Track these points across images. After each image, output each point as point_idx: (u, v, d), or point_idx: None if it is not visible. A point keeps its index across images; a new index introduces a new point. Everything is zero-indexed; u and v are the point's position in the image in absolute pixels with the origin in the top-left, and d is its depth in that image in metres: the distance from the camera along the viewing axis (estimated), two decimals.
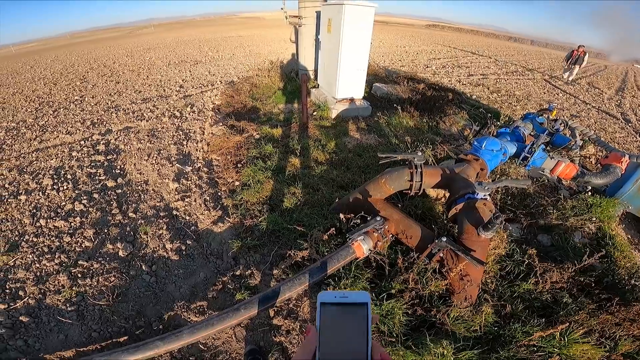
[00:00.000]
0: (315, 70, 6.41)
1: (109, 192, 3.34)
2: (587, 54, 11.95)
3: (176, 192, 3.33)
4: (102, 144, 4.46)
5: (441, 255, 2.03)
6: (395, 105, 4.88)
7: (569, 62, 12.20)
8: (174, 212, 3.03)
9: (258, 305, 1.71)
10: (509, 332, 1.92)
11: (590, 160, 4.57)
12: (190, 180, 3.54)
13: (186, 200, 3.20)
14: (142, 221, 2.91)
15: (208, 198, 3.21)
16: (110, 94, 7.16)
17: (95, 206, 3.12)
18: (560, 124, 3.57)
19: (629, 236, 3.30)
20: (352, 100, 5.28)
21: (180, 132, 4.80)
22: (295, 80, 6.79)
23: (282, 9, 6.25)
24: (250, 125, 4.71)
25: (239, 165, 3.69)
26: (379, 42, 18.71)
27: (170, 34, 28.15)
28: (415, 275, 2.06)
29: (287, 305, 2.15)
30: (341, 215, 2.43)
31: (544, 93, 9.60)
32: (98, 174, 3.70)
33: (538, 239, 2.82)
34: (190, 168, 3.76)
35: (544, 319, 1.99)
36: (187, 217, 2.96)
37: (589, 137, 3.54)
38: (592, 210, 3.06)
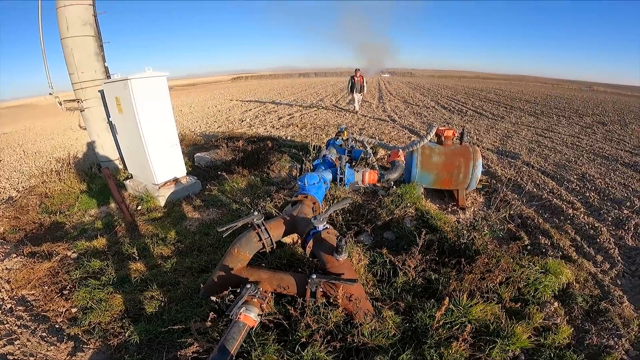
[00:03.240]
0: (122, 158, 5.65)
1: None
2: (364, 77, 12.18)
3: None
4: None
5: (321, 289, 2.11)
6: (219, 172, 4.82)
7: (353, 92, 12.14)
8: (10, 357, 2.32)
9: None
10: (420, 323, 2.11)
11: (385, 160, 5.95)
12: (8, 322, 2.69)
13: (16, 342, 2.45)
14: None
15: (45, 334, 2.56)
16: None
17: None
18: (352, 141, 4.47)
19: (437, 205, 4.35)
20: (176, 180, 4.89)
21: None
22: (100, 177, 5.74)
23: (50, 93, 5.19)
24: (59, 245, 3.67)
25: (65, 291, 2.98)
26: (189, 108, 18.58)
27: None
28: (312, 315, 2.07)
29: None
30: (213, 298, 2.25)
31: (336, 117, 12.02)
32: None
33: (385, 236, 3.25)
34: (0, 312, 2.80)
35: (433, 300, 2.26)
36: (32, 358, 2.33)
37: (373, 144, 4.62)
38: (404, 198, 3.78)
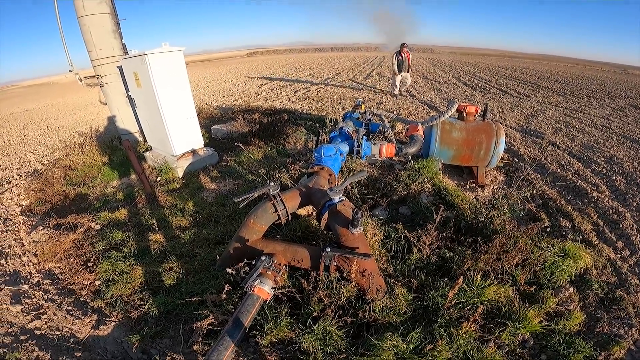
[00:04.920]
0: (141, 131, 5.76)
1: None
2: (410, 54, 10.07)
3: (26, 313, 2.65)
4: None
5: (335, 263, 2.12)
6: (235, 143, 4.85)
7: (401, 71, 9.98)
8: (37, 332, 2.45)
9: None
10: (432, 301, 2.10)
11: (403, 134, 5.82)
12: (35, 297, 2.82)
13: (43, 317, 2.60)
14: (4, 350, 2.28)
15: (70, 307, 2.68)
16: None
17: None
18: (369, 114, 4.36)
19: (455, 182, 4.25)
20: (194, 152, 4.98)
21: None
22: (121, 149, 5.90)
23: (70, 70, 5.31)
24: (83, 216, 3.80)
25: (90, 264, 3.09)
26: (206, 82, 18.52)
27: None
28: (325, 290, 2.10)
29: None
30: (228, 270, 2.28)
31: (353, 91, 11.73)
32: None
33: (400, 211, 3.21)
34: (27, 285, 2.96)
35: (446, 278, 2.23)
36: (58, 332, 2.44)
37: (390, 118, 4.51)
38: (421, 172, 3.70)
